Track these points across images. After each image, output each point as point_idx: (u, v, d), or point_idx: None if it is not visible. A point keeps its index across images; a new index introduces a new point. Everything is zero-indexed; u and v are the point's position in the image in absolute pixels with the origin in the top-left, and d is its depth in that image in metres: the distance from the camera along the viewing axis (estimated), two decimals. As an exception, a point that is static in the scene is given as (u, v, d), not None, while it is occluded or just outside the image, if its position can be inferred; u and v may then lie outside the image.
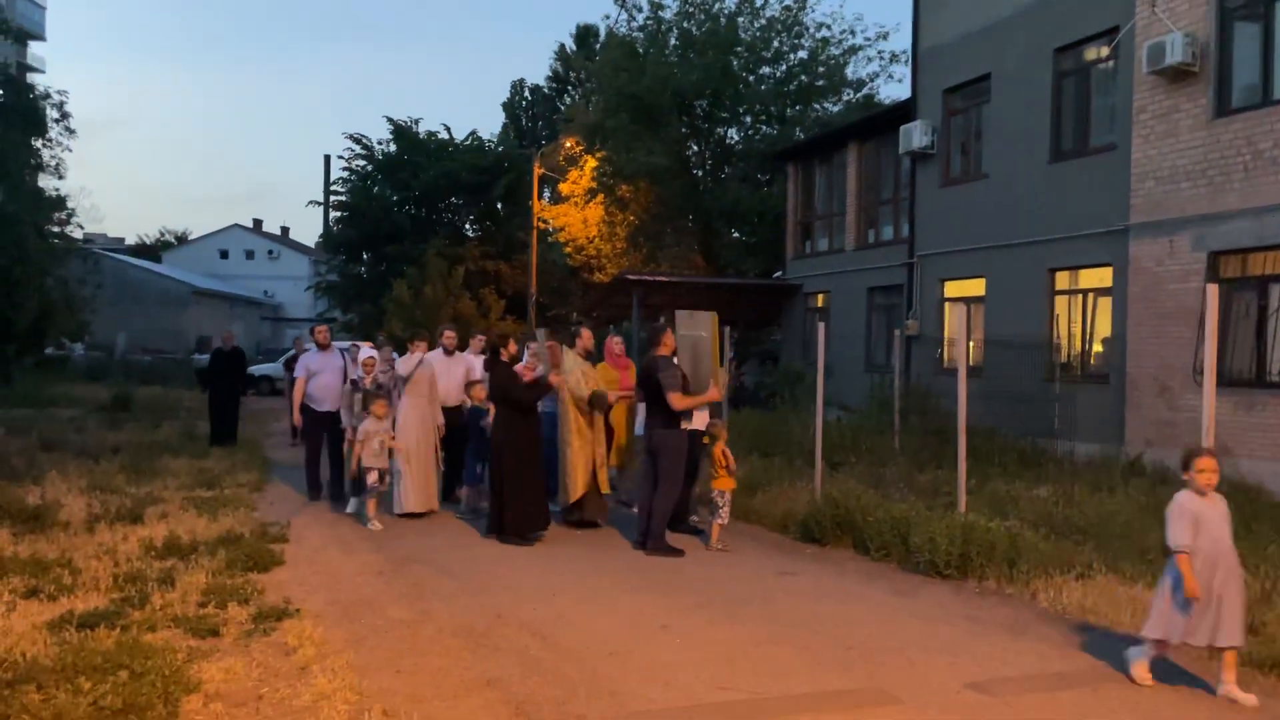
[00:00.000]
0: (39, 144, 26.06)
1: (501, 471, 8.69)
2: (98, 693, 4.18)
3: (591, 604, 6.65)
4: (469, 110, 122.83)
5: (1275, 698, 5.04)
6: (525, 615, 6.29)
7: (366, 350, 10.88)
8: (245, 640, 5.54)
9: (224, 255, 67.72)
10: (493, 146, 39.65)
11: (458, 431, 10.18)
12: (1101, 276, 14.15)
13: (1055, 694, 5.01)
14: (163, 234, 77.88)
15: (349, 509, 9.80)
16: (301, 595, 6.60)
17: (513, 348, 9.33)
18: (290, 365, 18.47)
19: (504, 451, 8.71)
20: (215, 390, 14.71)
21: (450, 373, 10.35)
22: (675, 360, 8.58)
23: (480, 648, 5.59)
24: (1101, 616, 6.37)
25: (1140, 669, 5.19)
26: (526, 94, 52.69)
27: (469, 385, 10.16)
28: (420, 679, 5.02)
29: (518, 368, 9.34)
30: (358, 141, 37.82)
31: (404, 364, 10.01)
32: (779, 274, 25.19)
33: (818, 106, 28.35)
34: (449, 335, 10.66)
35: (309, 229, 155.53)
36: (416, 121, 38.28)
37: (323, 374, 10.67)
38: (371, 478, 9.16)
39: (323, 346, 11.04)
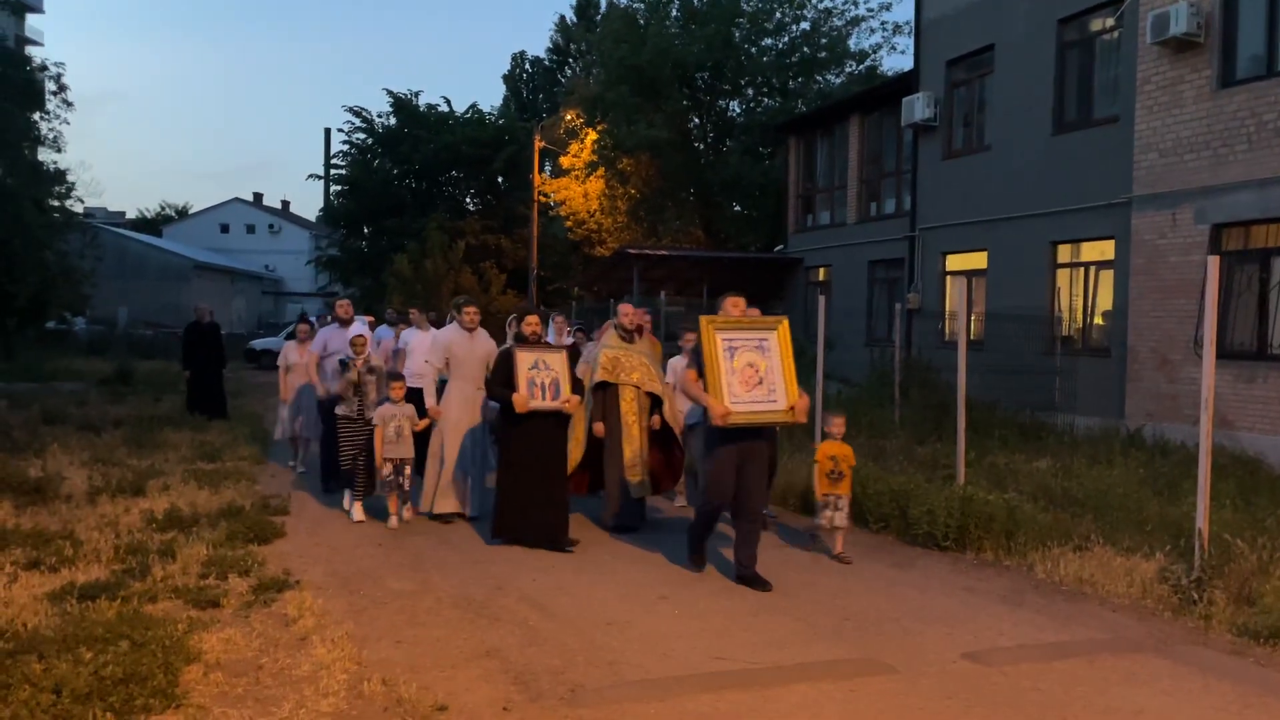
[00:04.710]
0: (37, 117, 25.94)
1: (503, 470, 7.53)
2: (99, 663, 4.20)
3: (590, 575, 6.68)
4: (469, 82, 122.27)
5: (1271, 667, 5.07)
6: (524, 586, 6.33)
7: (359, 326, 9.68)
8: (245, 611, 5.57)
9: (224, 229, 67.47)
10: (493, 119, 39.40)
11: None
12: (1103, 249, 14.11)
13: (1051, 664, 5.04)
14: (163, 208, 77.60)
15: (347, 506, 8.46)
16: (302, 567, 6.63)
17: (526, 325, 7.80)
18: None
19: (507, 446, 7.57)
20: (193, 365, 14.66)
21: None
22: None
23: (479, 618, 5.62)
24: (1098, 588, 6.40)
25: None
26: (527, 66, 52.25)
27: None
28: (419, 649, 5.05)
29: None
30: (357, 114, 37.64)
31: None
32: (780, 248, 25.12)
33: (820, 78, 28.18)
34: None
35: (310, 203, 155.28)
36: (416, 94, 38.05)
37: (343, 352, 9.39)
38: (386, 469, 8.06)
39: (345, 321, 9.81)
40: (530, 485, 7.33)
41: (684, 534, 7.19)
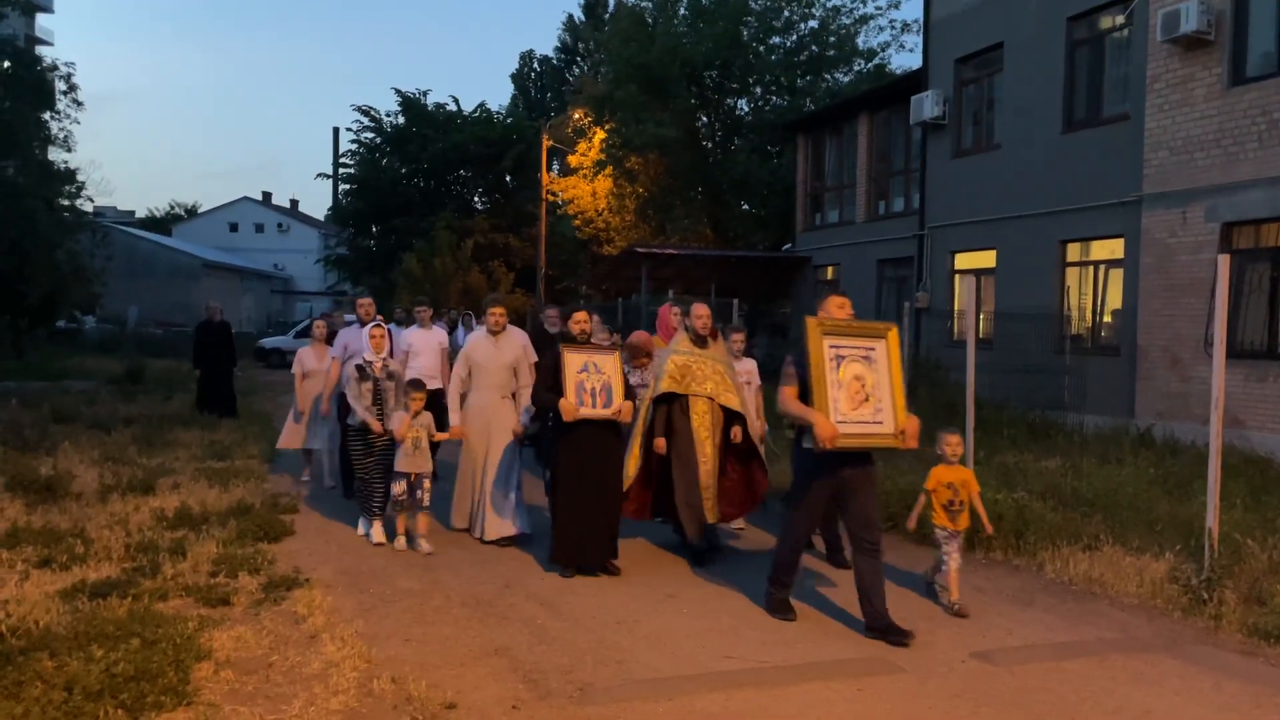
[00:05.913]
0: (47, 117, 26.02)
1: (557, 486, 6.82)
2: (110, 660, 4.22)
3: (598, 574, 6.67)
4: (477, 82, 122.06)
5: (1281, 668, 5.05)
6: (533, 585, 6.34)
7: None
8: (256, 609, 5.60)
9: (234, 228, 67.68)
10: (501, 118, 39.46)
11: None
12: (1113, 248, 14.06)
13: (1060, 663, 5.03)
14: (172, 207, 77.85)
15: (359, 529, 7.77)
16: (311, 565, 6.65)
17: (575, 324, 6.97)
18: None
19: (558, 460, 6.84)
20: (204, 364, 14.70)
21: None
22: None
23: (488, 617, 5.63)
24: (1108, 588, 6.39)
25: None
26: (535, 65, 52.37)
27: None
28: (429, 647, 5.07)
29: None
30: (366, 114, 37.76)
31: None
32: (788, 246, 25.08)
33: (828, 77, 28.10)
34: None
35: (318, 202, 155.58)
36: (425, 93, 38.18)
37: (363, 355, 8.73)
38: (398, 487, 7.31)
39: (366, 324, 8.86)
40: (584, 502, 6.56)
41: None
